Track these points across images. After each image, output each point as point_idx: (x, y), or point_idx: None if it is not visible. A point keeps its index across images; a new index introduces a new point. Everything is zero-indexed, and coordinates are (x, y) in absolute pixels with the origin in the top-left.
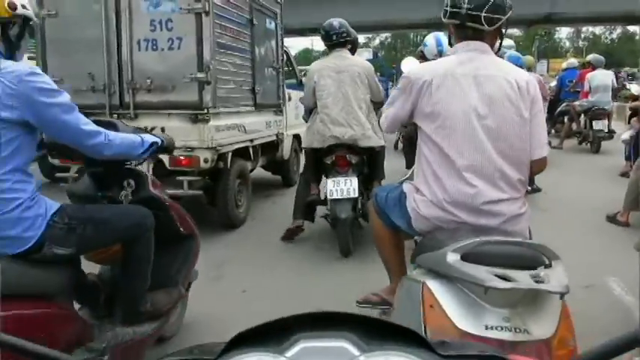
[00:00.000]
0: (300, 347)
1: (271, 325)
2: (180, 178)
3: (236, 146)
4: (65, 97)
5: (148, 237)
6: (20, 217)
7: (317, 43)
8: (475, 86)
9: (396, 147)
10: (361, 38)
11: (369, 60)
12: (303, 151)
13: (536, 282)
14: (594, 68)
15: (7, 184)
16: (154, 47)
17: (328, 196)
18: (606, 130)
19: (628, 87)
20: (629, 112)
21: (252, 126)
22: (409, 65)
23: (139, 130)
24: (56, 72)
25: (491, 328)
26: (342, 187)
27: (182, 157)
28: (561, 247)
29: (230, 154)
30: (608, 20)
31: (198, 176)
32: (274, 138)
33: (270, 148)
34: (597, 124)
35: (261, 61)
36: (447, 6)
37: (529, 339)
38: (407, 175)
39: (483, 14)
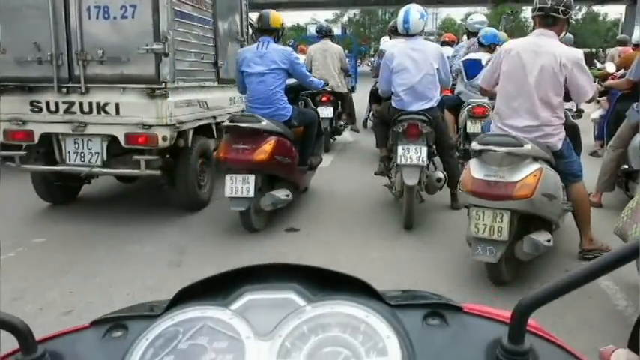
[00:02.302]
0: (245, 299)
1: (217, 278)
2: (137, 157)
3: (198, 123)
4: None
5: (315, 124)
6: (285, 112)
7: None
8: (534, 55)
9: (365, 125)
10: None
11: (337, 36)
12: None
13: (507, 153)
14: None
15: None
16: (106, 15)
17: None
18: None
19: (599, 66)
20: (597, 91)
21: (215, 102)
22: (387, 44)
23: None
24: None
25: (486, 175)
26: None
27: (138, 135)
28: None
29: (191, 131)
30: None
31: (156, 155)
32: None
33: None
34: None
35: (225, 33)
36: (536, 5)
37: (504, 181)
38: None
39: (561, 8)
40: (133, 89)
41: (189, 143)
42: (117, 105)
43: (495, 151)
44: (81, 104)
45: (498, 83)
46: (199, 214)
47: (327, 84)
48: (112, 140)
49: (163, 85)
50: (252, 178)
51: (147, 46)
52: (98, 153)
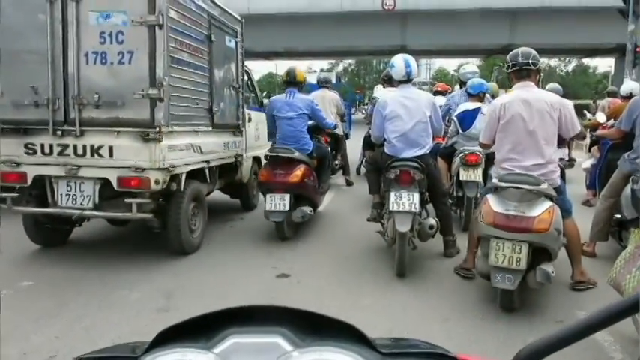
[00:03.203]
0: (230, 342)
1: (200, 320)
2: (129, 200)
3: (190, 167)
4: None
5: (328, 157)
6: (307, 145)
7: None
8: (527, 105)
9: (358, 172)
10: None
11: (331, 82)
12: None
13: (527, 190)
14: None
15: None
16: (103, 61)
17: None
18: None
19: (588, 117)
20: (588, 141)
21: (209, 147)
22: (380, 92)
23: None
24: None
25: (507, 210)
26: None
27: (131, 178)
28: None
29: (184, 175)
30: (564, 52)
31: (148, 199)
32: (233, 160)
33: (229, 170)
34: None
35: (220, 79)
36: (509, 62)
37: (524, 215)
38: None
39: (531, 61)
40: (127, 133)
41: (182, 187)
42: (111, 148)
43: (518, 188)
44: (75, 147)
45: (497, 134)
46: (189, 258)
47: (336, 126)
48: (105, 183)
49: (157, 130)
50: (287, 196)
51: (142, 91)
52: (90, 196)
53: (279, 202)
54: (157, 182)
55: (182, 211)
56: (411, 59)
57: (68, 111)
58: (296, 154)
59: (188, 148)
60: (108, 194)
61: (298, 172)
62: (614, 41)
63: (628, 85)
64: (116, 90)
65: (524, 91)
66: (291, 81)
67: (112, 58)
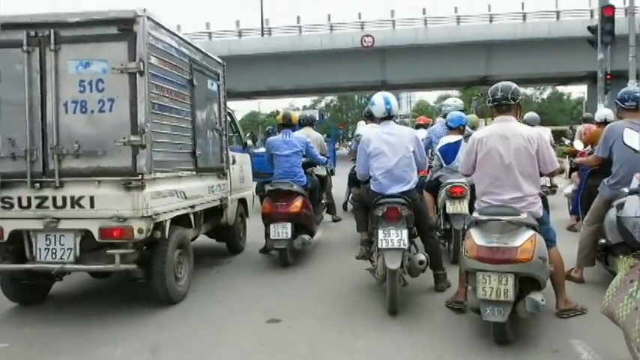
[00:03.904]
0: None
1: None
2: (112, 251)
3: (175, 214)
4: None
5: (319, 189)
6: (302, 178)
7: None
8: (504, 139)
9: (345, 208)
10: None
11: (315, 120)
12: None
13: (507, 221)
14: (531, 127)
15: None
16: (83, 109)
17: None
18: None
19: (567, 143)
20: (568, 167)
21: (193, 191)
22: (363, 128)
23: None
24: None
25: (489, 242)
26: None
27: (113, 228)
28: None
29: (168, 222)
30: (538, 81)
31: (132, 249)
32: (218, 203)
33: (214, 213)
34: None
35: (203, 123)
36: (489, 97)
37: (507, 246)
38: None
39: (510, 96)
40: (108, 182)
41: (167, 234)
42: (91, 198)
43: (499, 220)
44: (54, 199)
45: (476, 168)
46: (176, 308)
47: (327, 161)
48: (86, 235)
49: (140, 177)
50: (289, 225)
51: (124, 138)
52: (71, 249)
53: (282, 230)
54: (140, 231)
55: (167, 259)
56: (391, 96)
57: (47, 162)
58: (295, 187)
59: (172, 194)
60: (89, 246)
61: (297, 202)
62: (585, 69)
63: (602, 112)
64: (97, 138)
65: (503, 125)
66: (287, 123)
67: (92, 106)
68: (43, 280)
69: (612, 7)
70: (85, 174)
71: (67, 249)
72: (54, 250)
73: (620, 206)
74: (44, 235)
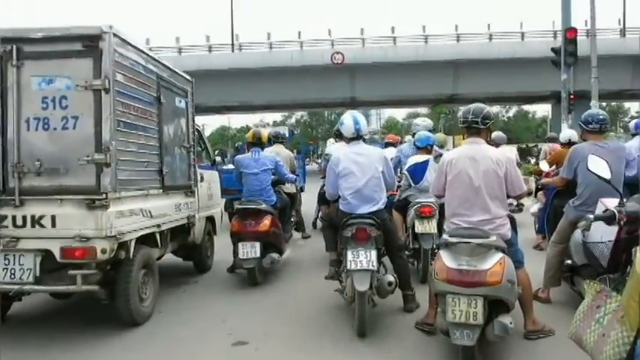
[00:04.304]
0: None
1: None
2: (73, 272)
3: (140, 233)
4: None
5: (289, 207)
6: (271, 197)
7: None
8: (474, 162)
9: (314, 225)
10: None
11: (285, 137)
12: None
13: (477, 244)
14: (497, 145)
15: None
16: (46, 126)
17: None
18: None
19: (533, 162)
20: (533, 186)
21: (160, 210)
22: (333, 147)
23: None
24: None
25: (459, 265)
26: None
27: (75, 249)
28: None
29: (133, 241)
30: (504, 100)
31: (94, 269)
32: (185, 221)
33: (181, 232)
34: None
35: (170, 140)
36: (461, 118)
37: (476, 269)
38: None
39: (480, 119)
40: (71, 200)
41: (131, 254)
42: (53, 217)
43: (468, 242)
44: (14, 218)
45: (446, 189)
46: (140, 329)
47: (296, 179)
48: (47, 255)
49: (104, 196)
50: (257, 244)
51: (88, 156)
52: (30, 269)
53: (251, 249)
54: (103, 251)
55: (131, 279)
56: (360, 116)
57: (7, 180)
58: (263, 206)
59: (137, 212)
60: (50, 266)
61: (266, 221)
62: (550, 88)
63: (566, 133)
64: (60, 156)
65: (473, 147)
66: (256, 142)
67: (55, 123)
68: (1, 301)
69: (574, 30)
70: (47, 192)
71: (27, 269)
72: (12, 271)
73: (587, 227)
74: (2, 254)
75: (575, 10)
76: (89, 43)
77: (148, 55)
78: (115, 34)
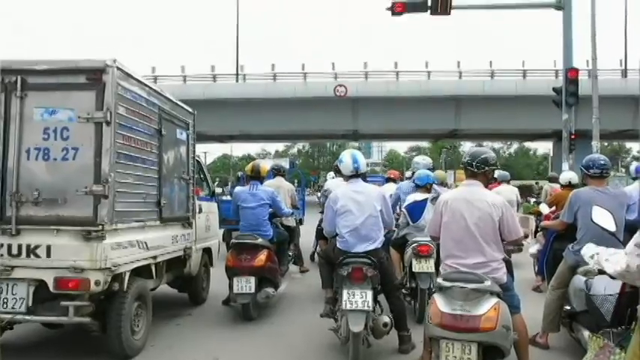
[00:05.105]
0: None
1: None
2: (66, 303)
3: (135, 265)
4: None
5: (287, 241)
6: (268, 231)
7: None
8: (469, 204)
9: (312, 258)
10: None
11: (286, 169)
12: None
13: (471, 289)
14: (500, 183)
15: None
16: (46, 157)
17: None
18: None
19: (533, 202)
20: (533, 226)
21: (156, 241)
22: (332, 182)
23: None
24: None
25: (453, 309)
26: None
27: (69, 279)
28: None
29: (128, 273)
30: (505, 137)
31: (87, 301)
32: (181, 253)
33: (177, 263)
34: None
35: (170, 172)
36: (463, 159)
37: (470, 314)
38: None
39: (474, 164)
40: (67, 231)
41: (125, 286)
42: (48, 247)
43: (463, 287)
44: (9, 246)
45: (441, 230)
46: None
47: (293, 213)
48: (40, 284)
49: (100, 228)
50: (252, 279)
51: (86, 188)
52: (23, 298)
53: (245, 284)
54: (97, 283)
55: (124, 311)
56: (359, 155)
57: (4, 208)
58: (259, 240)
59: (133, 244)
60: (43, 296)
61: (262, 256)
62: (551, 127)
63: (566, 175)
64: (58, 186)
65: (469, 189)
66: (255, 176)
67: (56, 154)
68: None
69: (576, 70)
70: (44, 222)
71: (20, 298)
72: (5, 300)
73: (590, 276)
74: None
75: (576, 49)
76: (93, 77)
77: (150, 87)
78: (118, 68)
